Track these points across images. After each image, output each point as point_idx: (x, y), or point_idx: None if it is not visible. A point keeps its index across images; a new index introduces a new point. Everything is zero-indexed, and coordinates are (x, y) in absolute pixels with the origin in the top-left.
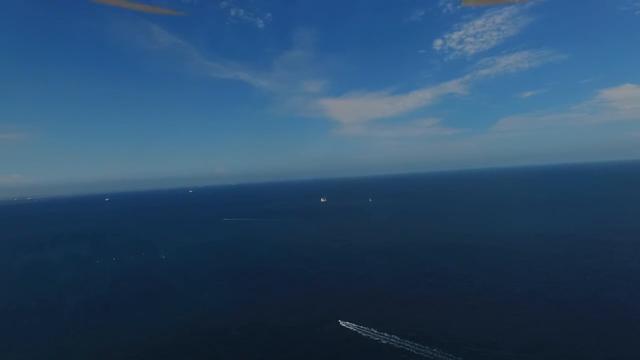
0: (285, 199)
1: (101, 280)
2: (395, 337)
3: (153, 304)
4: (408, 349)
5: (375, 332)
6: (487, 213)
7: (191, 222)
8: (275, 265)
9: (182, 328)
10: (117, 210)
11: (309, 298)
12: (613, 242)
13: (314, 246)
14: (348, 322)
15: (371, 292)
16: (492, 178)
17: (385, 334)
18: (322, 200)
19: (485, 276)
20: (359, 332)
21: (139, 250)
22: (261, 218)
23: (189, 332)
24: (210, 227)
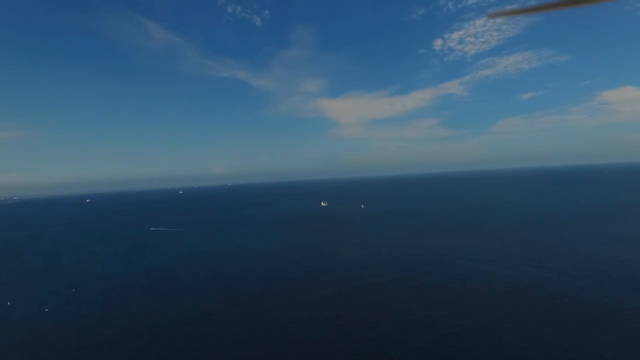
0: (279, 201)
1: None
2: None
3: None
4: None
5: None
6: (494, 228)
7: (137, 231)
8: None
9: None
10: (84, 213)
11: None
12: None
13: (249, 289)
14: None
15: None
16: (494, 181)
17: None
18: (322, 204)
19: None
20: None
21: (23, 288)
22: (231, 229)
23: None
24: (143, 240)
